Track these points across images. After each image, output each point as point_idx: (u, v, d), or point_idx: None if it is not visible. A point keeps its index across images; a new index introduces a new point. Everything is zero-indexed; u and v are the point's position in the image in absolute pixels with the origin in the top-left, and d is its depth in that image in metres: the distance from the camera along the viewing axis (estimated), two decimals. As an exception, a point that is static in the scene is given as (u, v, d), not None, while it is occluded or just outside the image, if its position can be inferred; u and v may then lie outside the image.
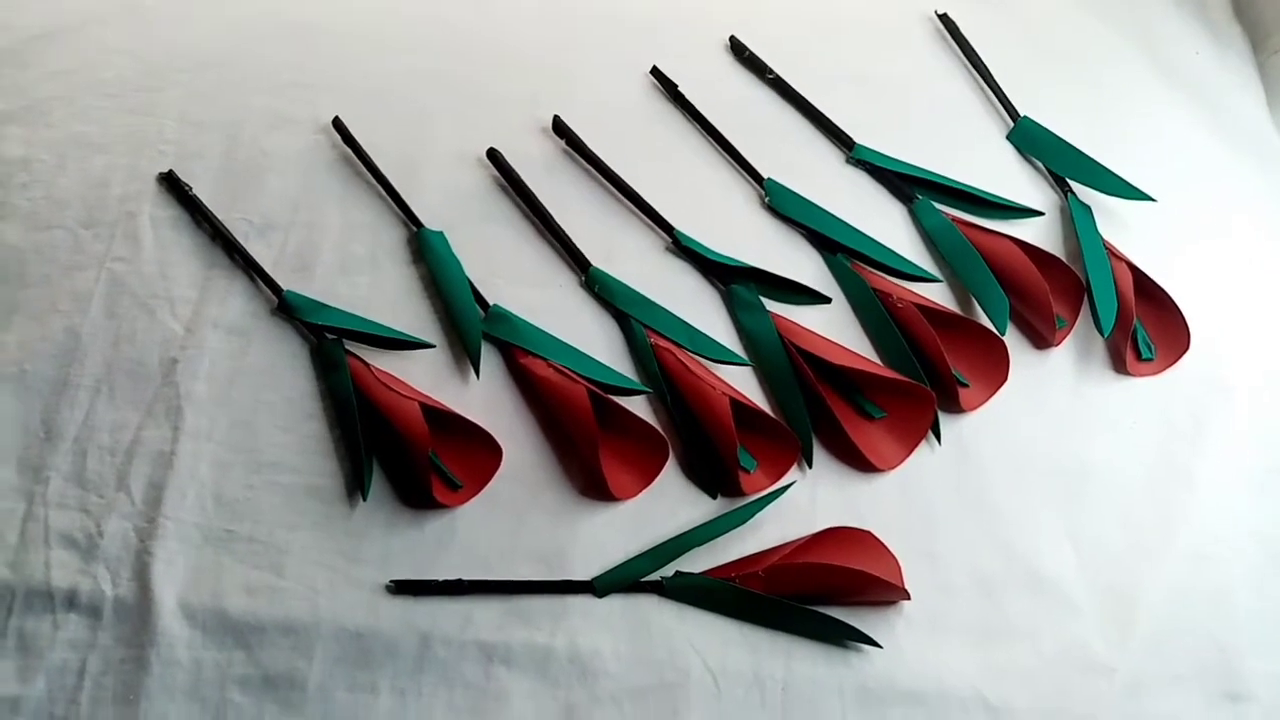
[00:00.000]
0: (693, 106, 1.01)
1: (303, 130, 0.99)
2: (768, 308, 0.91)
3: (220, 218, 0.93)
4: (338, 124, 0.97)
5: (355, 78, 1.02)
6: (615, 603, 0.80)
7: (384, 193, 0.95)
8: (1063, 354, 0.93)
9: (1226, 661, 0.82)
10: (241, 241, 0.92)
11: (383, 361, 0.88)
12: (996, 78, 1.05)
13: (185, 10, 1.05)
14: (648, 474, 0.85)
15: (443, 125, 1.00)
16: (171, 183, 0.94)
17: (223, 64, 1.02)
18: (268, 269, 0.91)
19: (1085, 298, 0.92)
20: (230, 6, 1.06)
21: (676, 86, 1.02)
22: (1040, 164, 1.02)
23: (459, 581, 0.80)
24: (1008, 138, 1.03)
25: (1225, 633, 0.83)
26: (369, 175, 0.96)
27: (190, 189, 0.94)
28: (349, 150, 0.97)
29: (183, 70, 1.01)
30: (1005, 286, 0.91)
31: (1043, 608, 0.82)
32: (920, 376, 0.88)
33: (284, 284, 0.90)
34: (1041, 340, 0.93)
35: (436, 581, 0.80)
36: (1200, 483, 0.88)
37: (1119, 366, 0.93)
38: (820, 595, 0.80)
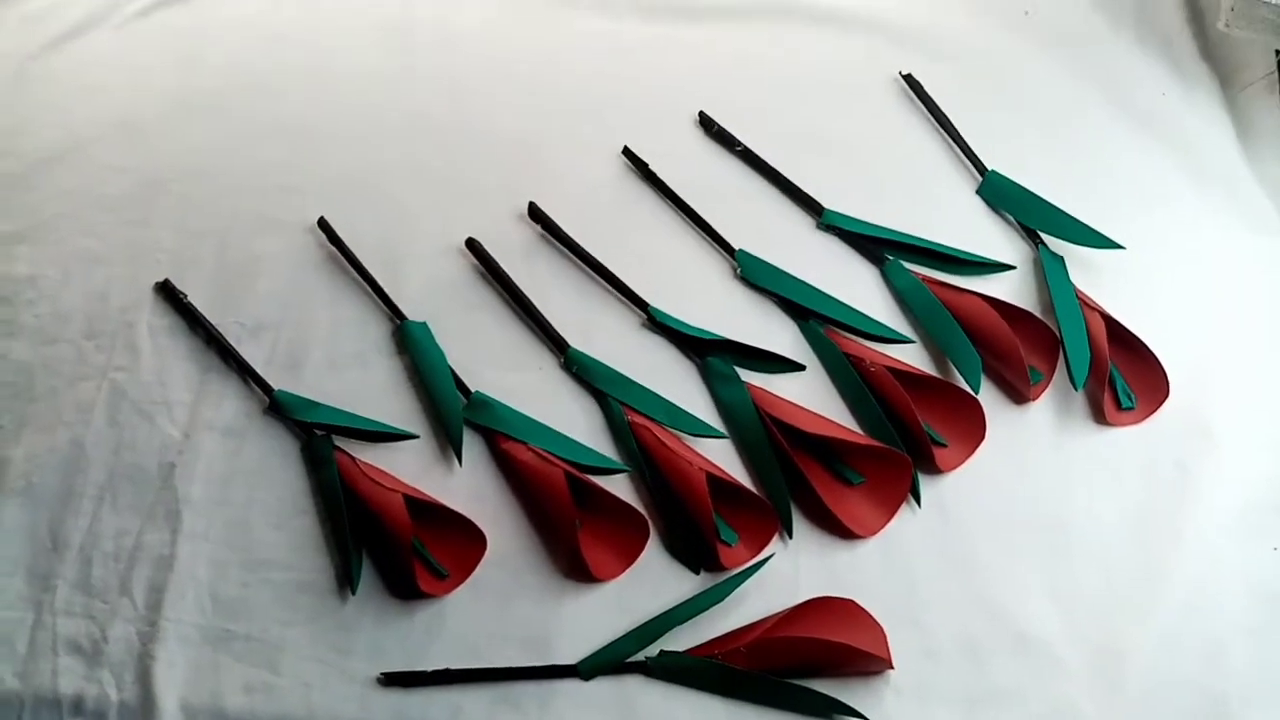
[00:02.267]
0: (664, 184, 1.04)
1: (291, 231, 1.02)
2: (743, 378, 0.92)
3: (214, 322, 0.96)
4: (323, 224, 1.01)
5: (339, 176, 1.06)
6: (601, 685, 0.81)
7: (369, 288, 0.98)
8: (1042, 408, 0.93)
9: (1221, 715, 0.80)
10: (234, 344, 0.95)
11: (370, 454, 0.90)
12: (963, 134, 1.07)
13: (177, 124, 1.10)
14: (629, 553, 0.85)
15: (424, 218, 1.03)
16: (167, 291, 0.98)
17: (213, 172, 1.06)
18: (260, 369, 0.94)
19: (1060, 351, 0.92)
20: (218, 116, 1.10)
21: (648, 165, 1.05)
22: (1010, 217, 1.03)
23: (446, 671, 0.81)
24: (977, 193, 1.04)
25: (1219, 685, 0.81)
26: (354, 272, 0.99)
27: (185, 296, 0.97)
28: (334, 249, 1.00)
29: (176, 180, 1.06)
30: (977, 344, 0.92)
31: (1029, 668, 0.81)
32: (895, 440, 0.89)
33: (276, 383, 0.93)
34: (1019, 395, 0.93)
35: (425, 672, 0.81)
36: (1186, 531, 0.87)
37: (1099, 417, 0.92)
38: (805, 668, 0.80)
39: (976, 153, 1.05)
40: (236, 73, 1.14)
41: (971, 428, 0.90)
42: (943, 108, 1.08)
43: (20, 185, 1.06)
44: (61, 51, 1.16)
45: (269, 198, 1.04)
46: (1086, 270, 0.99)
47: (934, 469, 0.89)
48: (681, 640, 0.82)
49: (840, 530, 0.87)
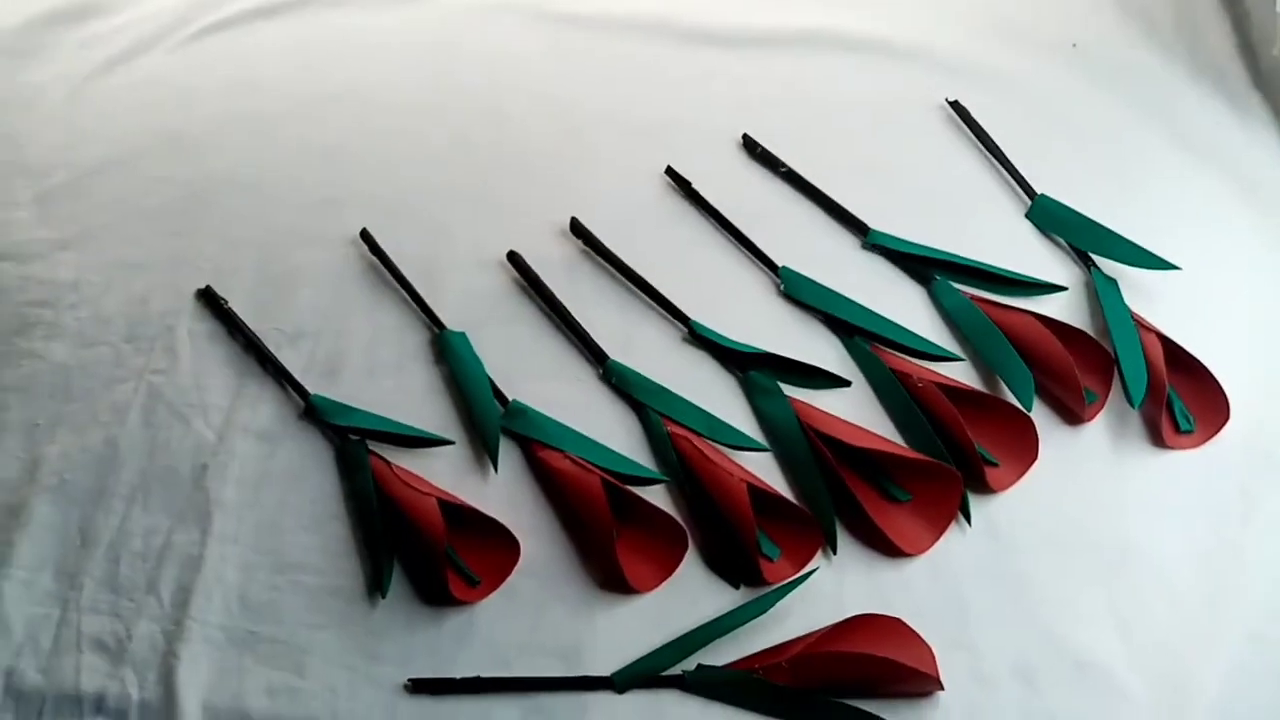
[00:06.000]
0: (707, 202, 1.03)
1: (331, 244, 1.03)
2: (786, 393, 0.91)
3: (253, 328, 0.96)
4: (365, 235, 1.01)
5: (382, 193, 1.06)
6: (636, 699, 0.78)
7: (408, 298, 0.98)
8: (1096, 430, 0.90)
9: (1296, 750, 0.76)
10: (273, 350, 0.95)
11: (405, 460, 0.89)
12: (1011, 159, 1.05)
13: (223, 141, 1.11)
14: (667, 565, 0.83)
15: (464, 233, 1.03)
16: (208, 297, 0.99)
17: (257, 187, 1.08)
18: (297, 375, 0.93)
19: (1115, 370, 0.90)
20: (264, 135, 1.12)
21: (690, 184, 1.04)
22: (1061, 240, 1.01)
23: (476, 679, 0.79)
24: (1026, 216, 1.03)
25: (1292, 719, 0.77)
26: (395, 282, 0.99)
27: (225, 302, 0.98)
28: (376, 260, 1.00)
29: (219, 194, 1.07)
30: (1029, 362, 0.90)
31: (1089, 697, 0.78)
32: (945, 456, 0.86)
33: (313, 389, 0.92)
34: (1072, 416, 0.90)
35: (454, 680, 0.79)
36: (1252, 557, 0.83)
37: (1157, 440, 0.89)
38: (849, 686, 0.77)
39: (1025, 177, 1.04)
40: (282, 95, 1.16)
41: (1023, 447, 0.87)
42: (990, 133, 1.07)
43: (68, 195, 1.08)
44: (115, 73, 1.18)
45: (311, 212, 1.05)
46: (1141, 295, 0.96)
47: (985, 488, 0.86)
48: (720, 654, 0.79)
49: (887, 548, 0.84)
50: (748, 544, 0.82)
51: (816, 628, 0.80)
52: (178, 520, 0.87)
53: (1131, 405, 0.88)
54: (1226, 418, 0.89)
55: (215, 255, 1.02)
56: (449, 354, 0.94)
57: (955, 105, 1.11)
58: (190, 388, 0.94)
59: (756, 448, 0.88)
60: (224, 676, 0.79)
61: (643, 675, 0.78)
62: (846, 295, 0.97)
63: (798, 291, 0.97)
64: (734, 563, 0.83)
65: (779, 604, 0.80)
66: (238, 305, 0.98)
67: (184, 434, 0.91)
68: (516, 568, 0.83)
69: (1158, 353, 0.90)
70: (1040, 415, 0.89)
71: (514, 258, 0.99)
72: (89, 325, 0.98)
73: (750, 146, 1.08)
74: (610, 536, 0.81)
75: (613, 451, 0.88)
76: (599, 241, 1.00)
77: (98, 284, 1.00)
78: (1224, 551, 0.84)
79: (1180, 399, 0.90)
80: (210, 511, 0.87)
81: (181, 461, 0.90)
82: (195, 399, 0.93)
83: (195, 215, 1.06)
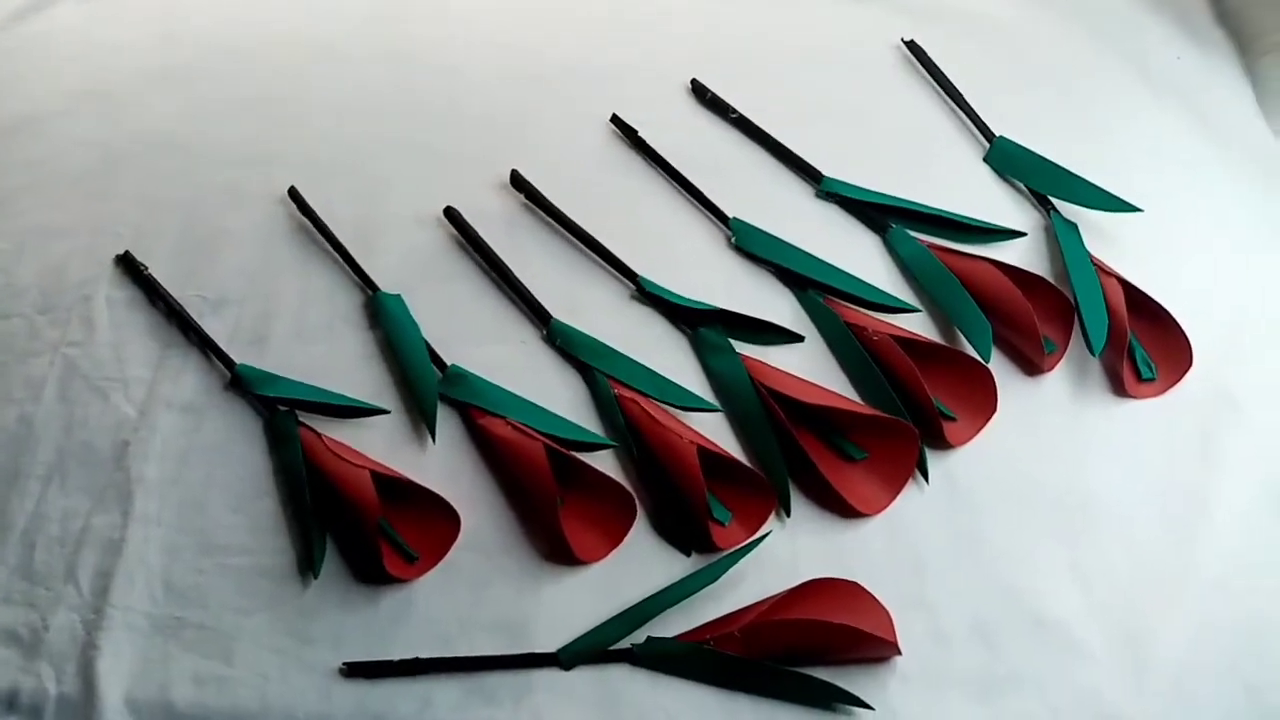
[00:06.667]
0: (654, 151, 1.00)
1: (259, 204, 0.98)
2: (738, 350, 0.88)
3: (176, 295, 0.92)
4: (294, 194, 0.97)
5: (313, 148, 1.03)
6: (583, 675, 0.75)
7: (340, 259, 0.94)
8: (1056, 380, 0.88)
9: (1259, 703, 0.74)
10: (196, 318, 0.91)
11: (338, 431, 0.85)
12: (969, 100, 1.03)
13: (146, 97, 1.07)
14: (615, 534, 0.80)
15: (400, 188, 0.99)
16: (128, 264, 0.94)
17: (181, 145, 1.03)
18: (223, 344, 0.89)
19: (1075, 318, 0.87)
20: (190, 89, 1.08)
21: (636, 132, 1.01)
22: (1020, 184, 0.99)
23: (414, 660, 0.75)
24: (984, 160, 1.00)
25: (1256, 671, 0.75)
26: (325, 243, 0.95)
27: (145, 269, 0.93)
28: (305, 219, 0.96)
29: (142, 153, 1.03)
30: (987, 311, 0.87)
31: (1049, 653, 0.76)
32: (901, 412, 0.83)
33: (240, 358, 0.88)
34: (1032, 366, 0.88)
35: (391, 662, 0.75)
36: (1216, 507, 0.82)
37: (1118, 389, 0.87)
38: (804, 654, 0.75)
39: (983, 119, 1.02)
40: (211, 47, 1.12)
41: (982, 400, 0.85)
42: (947, 74, 1.05)
43: (-21, 158, 1.02)
44: (26, 23, 1.14)
45: (238, 170, 1.01)
46: (1101, 238, 0.94)
47: (942, 444, 0.84)
48: (671, 626, 0.76)
49: (842, 508, 0.81)
50: (698, 509, 0.79)
51: (771, 594, 0.77)
52: (97, 502, 0.82)
53: (1092, 353, 0.86)
54: (1189, 364, 0.87)
55: (135, 219, 0.98)
56: (383, 317, 0.90)
57: (911, 45, 1.08)
58: (109, 360, 0.89)
59: (707, 408, 0.85)
60: (148, 667, 0.76)
61: (590, 650, 0.75)
62: (799, 246, 0.94)
63: (749, 243, 0.94)
64: (684, 529, 0.80)
65: (731, 570, 0.77)
66: (159, 271, 0.94)
67: (103, 409, 0.87)
68: (456, 542, 0.80)
69: (1119, 298, 0.87)
70: (999, 367, 0.87)
71: (451, 213, 0.95)
72: (1, 296, 0.93)
73: (699, 92, 1.05)
74: (554, 506, 0.78)
75: (557, 416, 0.84)
76: (541, 195, 0.96)
77: (9, 252, 0.96)
78: (1186, 501, 0.82)
79: (1142, 346, 0.88)
80: (132, 491, 0.83)
81: (101, 439, 0.85)
82: (114, 372, 0.89)
83: (114, 176, 1.01)
